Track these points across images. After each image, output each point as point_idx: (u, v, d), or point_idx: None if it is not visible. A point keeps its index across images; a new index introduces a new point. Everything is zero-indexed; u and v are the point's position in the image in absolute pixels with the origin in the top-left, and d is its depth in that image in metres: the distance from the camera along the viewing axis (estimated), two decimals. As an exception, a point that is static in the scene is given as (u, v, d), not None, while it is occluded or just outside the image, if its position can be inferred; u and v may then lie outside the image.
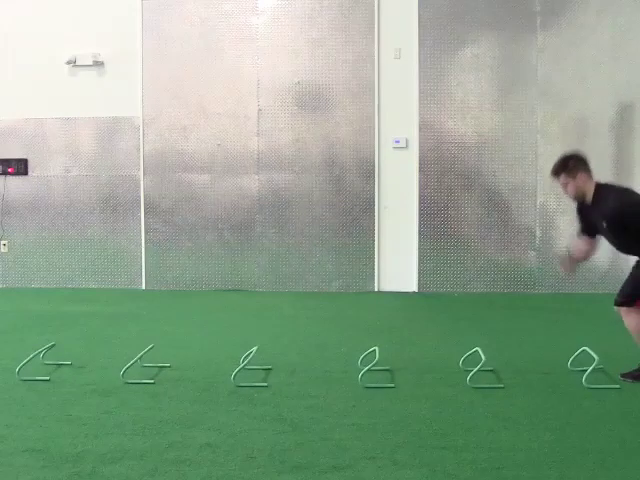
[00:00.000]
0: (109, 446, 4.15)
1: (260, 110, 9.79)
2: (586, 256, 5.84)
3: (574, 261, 5.90)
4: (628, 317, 5.52)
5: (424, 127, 9.54)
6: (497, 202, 9.57)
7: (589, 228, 5.66)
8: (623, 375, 5.56)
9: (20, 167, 10.06)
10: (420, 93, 9.54)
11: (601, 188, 5.57)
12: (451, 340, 6.11)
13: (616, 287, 9.24)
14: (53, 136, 10.04)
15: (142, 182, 9.95)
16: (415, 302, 9.21)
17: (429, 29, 9.54)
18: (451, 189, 9.62)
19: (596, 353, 5.54)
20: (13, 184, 10.10)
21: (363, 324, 7.70)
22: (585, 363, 5.48)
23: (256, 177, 9.85)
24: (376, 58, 9.60)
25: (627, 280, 5.68)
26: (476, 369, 5.37)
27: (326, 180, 9.76)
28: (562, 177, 5.58)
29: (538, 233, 9.56)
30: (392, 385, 5.38)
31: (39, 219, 10.11)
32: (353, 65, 9.68)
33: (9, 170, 10.05)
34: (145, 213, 9.97)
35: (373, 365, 5.45)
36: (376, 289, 9.73)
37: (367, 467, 3.86)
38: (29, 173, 10.09)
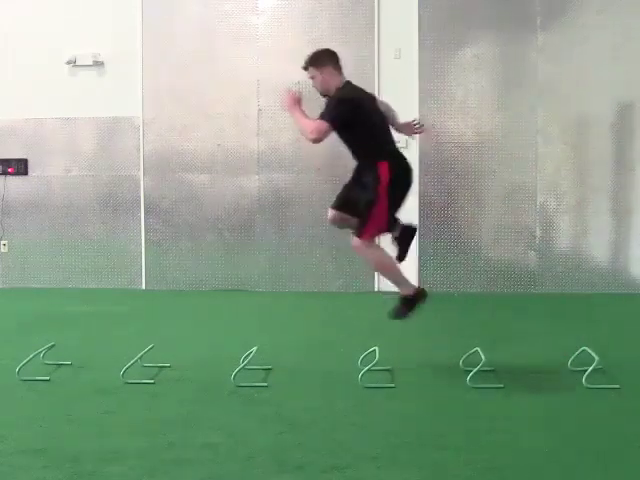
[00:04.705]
0: (109, 446, 4.15)
1: (260, 110, 9.79)
2: None
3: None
4: (366, 251, 5.62)
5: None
6: (497, 202, 9.56)
7: None
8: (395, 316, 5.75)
9: (20, 167, 10.05)
10: (420, 93, 9.54)
11: (343, 86, 5.72)
12: (451, 340, 6.12)
13: (616, 287, 9.40)
14: (53, 136, 10.03)
15: (142, 182, 9.95)
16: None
17: (429, 29, 9.52)
18: (451, 189, 9.61)
19: (596, 353, 5.54)
20: (13, 184, 10.10)
21: (363, 324, 7.71)
22: (585, 363, 5.47)
23: (256, 177, 9.84)
24: (376, 58, 9.60)
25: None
26: (476, 369, 5.37)
27: (326, 180, 9.74)
28: (310, 70, 5.78)
29: (538, 233, 9.55)
30: (392, 385, 5.38)
31: (39, 219, 10.10)
32: (353, 65, 9.59)
33: (9, 170, 10.04)
34: (145, 213, 9.96)
35: (373, 365, 5.45)
36: (376, 289, 9.72)
37: (367, 467, 3.86)
38: (29, 173, 10.09)
